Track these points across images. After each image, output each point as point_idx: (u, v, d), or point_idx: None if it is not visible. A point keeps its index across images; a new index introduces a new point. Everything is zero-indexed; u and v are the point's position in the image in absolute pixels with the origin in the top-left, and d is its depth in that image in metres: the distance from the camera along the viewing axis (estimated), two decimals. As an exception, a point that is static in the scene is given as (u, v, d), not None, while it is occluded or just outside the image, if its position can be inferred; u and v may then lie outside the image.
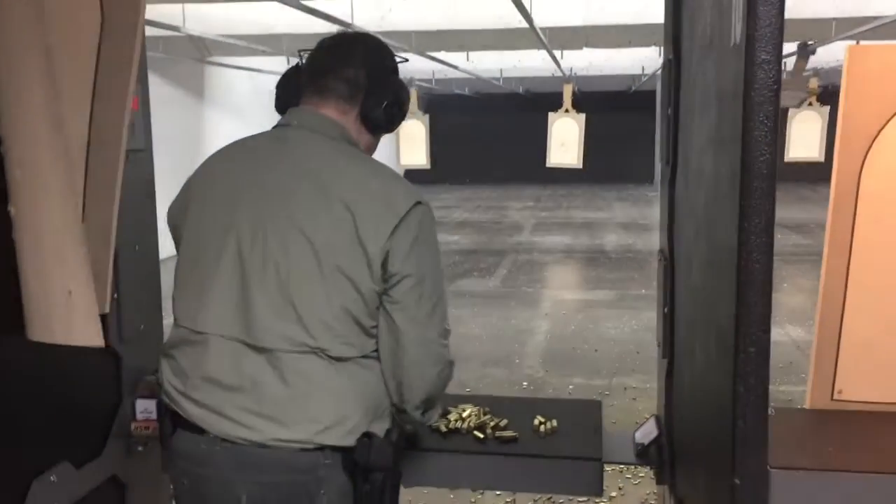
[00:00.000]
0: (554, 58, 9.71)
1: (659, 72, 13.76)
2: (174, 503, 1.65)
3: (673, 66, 1.73)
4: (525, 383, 5.60)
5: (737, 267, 1.01)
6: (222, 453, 1.46)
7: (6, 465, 1.63)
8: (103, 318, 1.91)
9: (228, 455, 1.46)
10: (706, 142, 1.31)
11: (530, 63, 12.28)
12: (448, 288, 5.13)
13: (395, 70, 1.65)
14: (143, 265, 2.06)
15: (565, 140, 9.65)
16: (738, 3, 1.03)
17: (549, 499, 3.52)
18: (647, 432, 2.00)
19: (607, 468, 1.93)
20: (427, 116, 9.23)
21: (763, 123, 0.97)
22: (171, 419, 1.56)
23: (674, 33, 1.75)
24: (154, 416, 1.99)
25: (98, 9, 1.71)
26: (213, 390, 1.48)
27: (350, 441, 1.47)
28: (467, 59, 11.25)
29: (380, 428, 1.53)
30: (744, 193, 0.99)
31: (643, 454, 1.96)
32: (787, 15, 0.97)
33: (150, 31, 6.10)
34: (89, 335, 1.53)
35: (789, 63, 7.03)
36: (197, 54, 9.66)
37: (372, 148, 1.68)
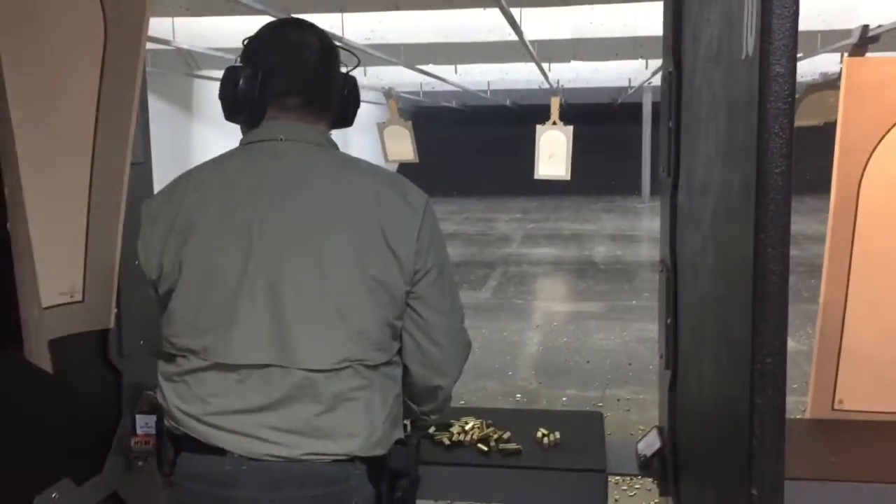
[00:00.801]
0: (542, 70, 9.75)
1: (645, 84, 13.86)
2: None
3: (674, 78, 1.74)
4: (519, 395, 5.59)
5: (752, 278, 1.01)
6: (249, 473, 1.42)
7: (8, 482, 1.61)
8: (105, 333, 1.91)
9: (256, 474, 1.42)
10: (714, 153, 1.32)
11: (517, 76, 12.33)
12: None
13: (339, 57, 1.63)
14: (144, 280, 2.04)
15: (553, 152, 9.69)
16: (750, 16, 1.04)
17: (545, 511, 3.51)
18: (650, 444, 2.00)
19: (604, 480, 1.93)
20: (410, 123, 9.38)
21: (778, 136, 0.98)
22: (175, 443, 1.51)
23: (674, 46, 1.76)
24: (154, 430, 1.97)
25: (101, 20, 1.71)
26: (237, 415, 1.44)
27: (379, 450, 1.48)
28: (455, 72, 11.29)
29: (399, 434, 1.55)
30: (759, 205, 0.99)
31: (646, 466, 1.96)
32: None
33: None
34: (44, 359, 1.51)
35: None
36: (185, 68, 9.64)
37: None
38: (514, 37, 6.60)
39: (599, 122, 18.37)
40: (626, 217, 16.43)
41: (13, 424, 1.63)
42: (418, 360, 1.55)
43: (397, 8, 6.90)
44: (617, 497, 3.83)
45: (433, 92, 14.80)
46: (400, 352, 1.55)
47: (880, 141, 1.95)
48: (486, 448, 1.95)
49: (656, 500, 3.29)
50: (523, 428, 2.04)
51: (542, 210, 17.44)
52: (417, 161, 9.43)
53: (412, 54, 8.79)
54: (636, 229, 14.61)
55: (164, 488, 1.58)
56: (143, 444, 1.95)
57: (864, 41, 1.87)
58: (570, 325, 7.58)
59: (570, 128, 9.42)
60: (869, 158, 1.96)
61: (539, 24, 7.57)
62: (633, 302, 8.42)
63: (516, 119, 16.78)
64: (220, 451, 1.44)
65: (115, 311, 1.91)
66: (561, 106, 9.63)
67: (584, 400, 5.45)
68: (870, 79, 1.96)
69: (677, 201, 1.75)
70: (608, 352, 6.64)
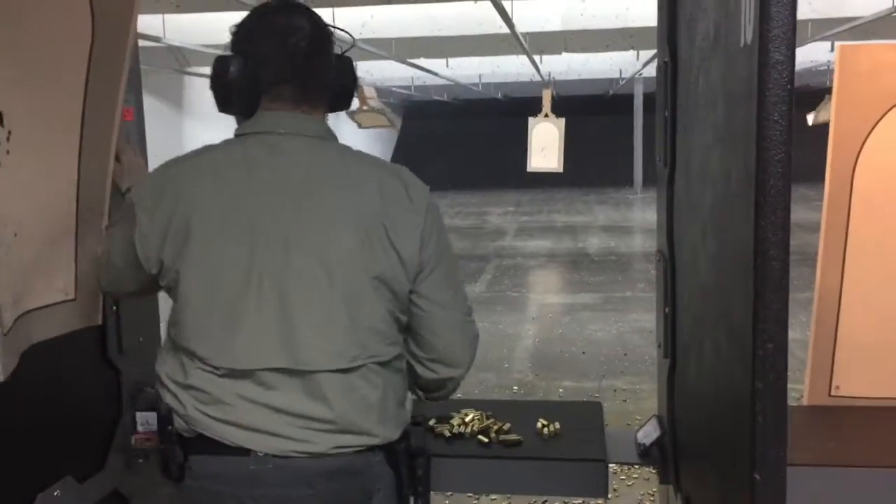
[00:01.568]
0: (534, 62, 9.76)
1: (636, 75, 13.88)
2: None
3: (669, 68, 1.74)
4: (515, 387, 5.61)
5: (753, 264, 1.02)
6: (276, 470, 1.41)
7: (11, 479, 1.61)
8: (102, 329, 1.91)
9: (283, 471, 1.41)
10: (712, 142, 1.33)
11: (509, 68, 12.33)
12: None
13: (332, 40, 1.58)
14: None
15: (546, 144, 9.70)
16: (749, 3, 1.04)
17: (544, 501, 3.53)
18: (649, 433, 2.01)
19: (603, 469, 1.94)
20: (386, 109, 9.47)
21: (778, 123, 0.98)
22: (184, 445, 1.48)
23: (669, 35, 1.76)
24: (155, 427, 1.97)
25: (89, 17, 1.69)
26: (261, 412, 1.43)
27: (395, 435, 1.51)
28: (447, 66, 11.28)
29: (408, 415, 1.58)
30: (760, 192, 1.00)
31: (646, 454, 1.96)
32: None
33: (130, 41, 6.02)
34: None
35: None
36: (176, 65, 9.61)
37: None
38: (505, 29, 6.60)
39: (591, 113, 18.39)
40: (618, 208, 16.46)
41: (15, 423, 1.63)
42: (426, 354, 1.55)
43: (388, 1, 6.89)
44: (615, 486, 3.84)
45: (424, 86, 14.78)
46: (406, 343, 1.55)
47: (874, 127, 1.96)
48: (486, 439, 1.96)
49: (655, 489, 3.31)
50: (523, 419, 2.05)
51: (535, 202, 17.45)
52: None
53: (403, 48, 8.78)
54: (629, 220, 14.63)
55: (170, 490, 1.55)
56: (144, 442, 1.95)
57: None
58: (565, 316, 7.60)
59: (563, 120, 9.43)
60: (863, 145, 1.97)
61: (530, 16, 7.57)
62: (628, 293, 8.44)
63: (508, 112, 16.78)
64: (243, 451, 1.42)
65: (114, 308, 1.91)
66: (553, 98, 9.63)
67: (581, 391, 5.46)
68: (863, 66, 1.97)
69: (674, 190, 1.76)
70: (604, 343, 6.66)
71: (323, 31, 1.56)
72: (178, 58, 9.38)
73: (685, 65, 1.62)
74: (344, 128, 7.68)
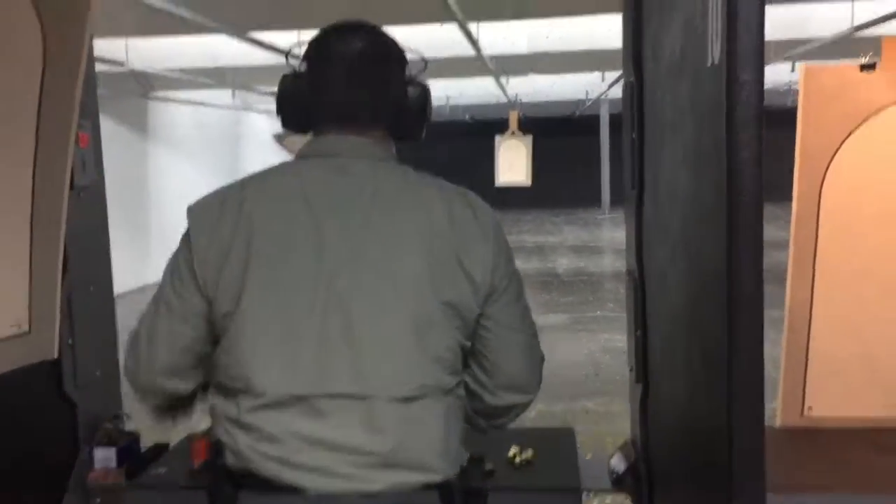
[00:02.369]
0: (501, 85, 9.81)
1: (602, 96, 14.02)
2: None
3: (635, 88, 1.73)
4: (486, 411, 5.56)
5: (727, 285, 1.00)
6: None
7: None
8: (57, 363, 1.84)
9: None
10: (680, 162, 1.31)
11: (476, 91, 12.38)
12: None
13: (404, 62, 1.55)
14: (99, 307, 1.98)
15: (513, 161, 9.76)
16: (715, 23, 1.03)
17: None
18: (622, 459, 1.98)
19: (577, 497, 1.91)
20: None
21: (748, 144, 0.96)
22: (234, 481, 1.40)
23: (634, 56, 1.75)
24: (113, 464, 1.90)
25: (40, 44, 1.65)
26: (314, 450, 1.36)
27: (454, 470, 1.42)
28: (414, 88, 11.28)
29: (466, 452, 1.49)
30: (731, 212, 0.98)
31: (619, 482, 1.93)
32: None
33: (92, 66, 5.95)
34: None
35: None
36: (140, 90, 9.51)
37: None
38: (472, 52, 6.62)
39: (558, 134, 18.53)
40: (587, 228, 16.55)
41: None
42: (493, 380, 1.49)
43: (354, 25, 6.88)
44: (589, 511, 3.80)
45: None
46: (469, 372, 1.49)
47: (840, 146, 1.97)
48: (457, 469, 1.91)
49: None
50: (494, 445, 2.01)
51: (504, 223, 16.92)
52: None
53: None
54: (598, 240, 14.71)
55: None
56: (101, 480, 1.88)
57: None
58: (535, 338, 7.58)
59: (530, 136, 9.48)
60: (829, 163, 1.97)
61: (496, 39, 7.60)
62: (598, 313, 8.45)
63: (476, 133, 16.84)
64: (295, 490, 1.35)
65: (69, 341, 1.85)
66: (519, 119, 9.69)
67: (552, 414, 5.42)
68: (827, 86, 1.98)
69: (643, 211, 1.74)
70: (574, 364, 6.64)
71: (391, 54, 1.53)
72: (142, 82, 9.28)
73: (651, 85, 1.61)
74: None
